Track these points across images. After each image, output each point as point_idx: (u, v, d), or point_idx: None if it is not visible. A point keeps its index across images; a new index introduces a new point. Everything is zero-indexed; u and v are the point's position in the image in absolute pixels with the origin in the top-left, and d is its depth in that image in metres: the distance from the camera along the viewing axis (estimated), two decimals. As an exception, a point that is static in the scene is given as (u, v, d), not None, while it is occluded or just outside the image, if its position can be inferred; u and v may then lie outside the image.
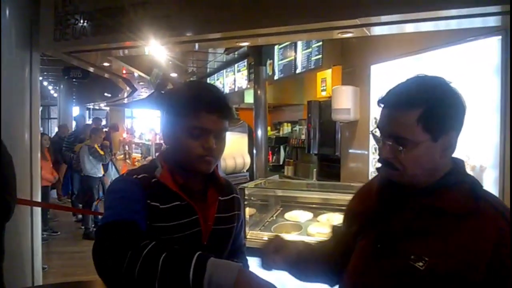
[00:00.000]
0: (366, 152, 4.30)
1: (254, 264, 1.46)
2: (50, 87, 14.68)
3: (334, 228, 1.52)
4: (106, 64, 4.80)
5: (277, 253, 1.34)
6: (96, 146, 6.80)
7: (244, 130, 3.36)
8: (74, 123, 11.88)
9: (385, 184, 1.22)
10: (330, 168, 5.34)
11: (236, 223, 1.46)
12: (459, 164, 1.20)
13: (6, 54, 3.47)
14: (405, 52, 3.63)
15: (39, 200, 3.88)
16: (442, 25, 2.70)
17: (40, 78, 12.54)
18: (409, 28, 2.82)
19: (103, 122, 15.72)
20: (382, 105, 1.16)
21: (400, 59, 3.70)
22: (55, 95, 15.12)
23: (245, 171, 3.27)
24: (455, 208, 1.09)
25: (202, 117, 1.25)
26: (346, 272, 1.26)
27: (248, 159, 3.28)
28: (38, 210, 3.77)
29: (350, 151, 4.68)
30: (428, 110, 1.08)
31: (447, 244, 1.06)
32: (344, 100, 4.31)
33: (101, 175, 6.98)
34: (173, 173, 1.31)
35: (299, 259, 1.37)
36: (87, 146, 6.74)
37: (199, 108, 1.25)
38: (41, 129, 17.45)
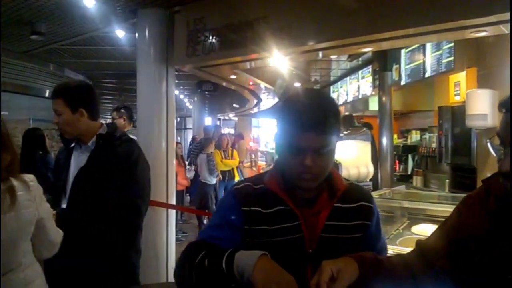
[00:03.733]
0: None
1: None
2: (185, 100, 15.96)
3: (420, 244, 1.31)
4: (232, 76, 5.07)
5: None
6: (216, 154, 7.19)
7: (367, 138, 3.26)
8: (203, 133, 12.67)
9: (503, 201, 1.07)
10: (464, 179, 4.92)
11: (361, 233, 1.37)
12: None
13: (146, 70, 3.90)
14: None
15: (174, 203, 4.21)
16: None
17: (177, 92, 13.69)
18: (557, 22, 2.48)
19: (232, 131, 16.57)
20: (504, 110, 1.04)
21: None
22: (190, 107, 16.37)
23: (368, 180, 3.16)
24: None
25: (298, 137, 1.22)
26: None
27: (371, 169, 3.17)
28: (173, 213, 4.11)
29: (490, 161, 4.24)
30: None
31: None
32: (480, 105, 3.94)
33: (214, 183, 7.35)
34: (279, 179, 1.33)
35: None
36: (205, 154, 7.17)
37: (295, 127, 1.23)
38: (178, 138, 18.90)
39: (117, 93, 12.86)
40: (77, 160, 2.18)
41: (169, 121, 4.02)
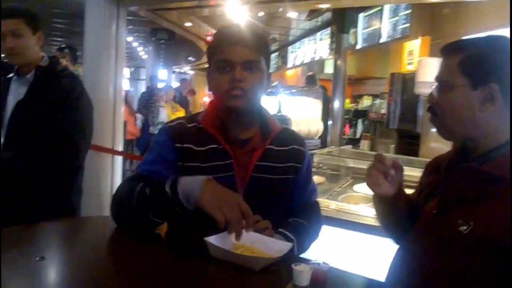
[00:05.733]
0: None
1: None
2: (139, 49, 15.35)
3: None
4: (188, 24, 4.89)
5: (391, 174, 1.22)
6: (166, 105, 7.02)
7: (318, 96, 3.27)
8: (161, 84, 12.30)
9: (452, 155, 1.23)
10: (409, 145, 5.10)
11: (291, 175, 1.39)
12: None
13: (95, 9, 3.66)
14: (503, 23, 3.27)
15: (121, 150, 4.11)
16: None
17: (130, 38, 13.08)
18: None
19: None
20: (445, 55, 1.18)
21: (497, 31, 3.35)
22: (144, 56, 15.79)
23: (317, 138, 3.19)
24: (502, 173, 1.06)
25: (225, 50, 1.25)
26: (407, 236, 1.27)
27: (321, 127, 3.20)
28: (118, 160, 4.01)
29: (433, 130, 4.38)
30: (471, 55, 1.10)
31: (492, 210, 1.05)
32: (430, 73, 4.02)
33: None
34: (213, 117, 1.33)
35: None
36: (156, 106, 6.98)
37: (221, 42, 1.27)
38: (131, 89, 18.30)
39: (65, 34, 12.15)
40: (16, 93, 2.03)
41: (118, 66, 3.83)
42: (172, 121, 1.39)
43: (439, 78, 1.16)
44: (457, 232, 1.07)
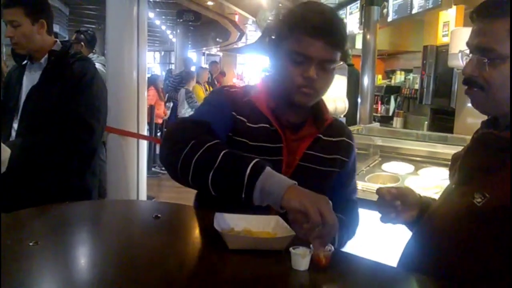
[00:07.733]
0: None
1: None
2: (168, 32, 15.42)
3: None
4: (210, 3, 4.81)
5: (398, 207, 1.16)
6: (198, 89, 6.95)
7: (343, 73, 3.14)
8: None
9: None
10: (443, 122, 4.90)
11: (337, 168, 1.31)
12: None
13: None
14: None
15: (145, 134, 4.11)
16: None
17: (158, 22, 13.08)
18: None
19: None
20: (475, 16, 1.03)
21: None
22: (174, 40, 15.87)
23: (342, 116, 3.08)
24: None
25: (305, 42, 1.13)
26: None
27: (346, 104, 3.08)
28: (144, 144, 4.01)
29: (469, 105, 4.16)
30: None
31: (508, 179, 0.94)
32: (464, 44, 3.79)
33: None
34: (267, 97, 1.24)
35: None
36: (185, 90, 6.92)
37: (302, 31, 1.14)
38: (162, 73, 18.56)
39: (96, 21, 12.29)
40: (30, 79, 2.05)
41: (141, 48, 3.80)
42: (229, 86, 1.31)
43: (481, 46, 0.99)
44: (471, 204, 0.98)
